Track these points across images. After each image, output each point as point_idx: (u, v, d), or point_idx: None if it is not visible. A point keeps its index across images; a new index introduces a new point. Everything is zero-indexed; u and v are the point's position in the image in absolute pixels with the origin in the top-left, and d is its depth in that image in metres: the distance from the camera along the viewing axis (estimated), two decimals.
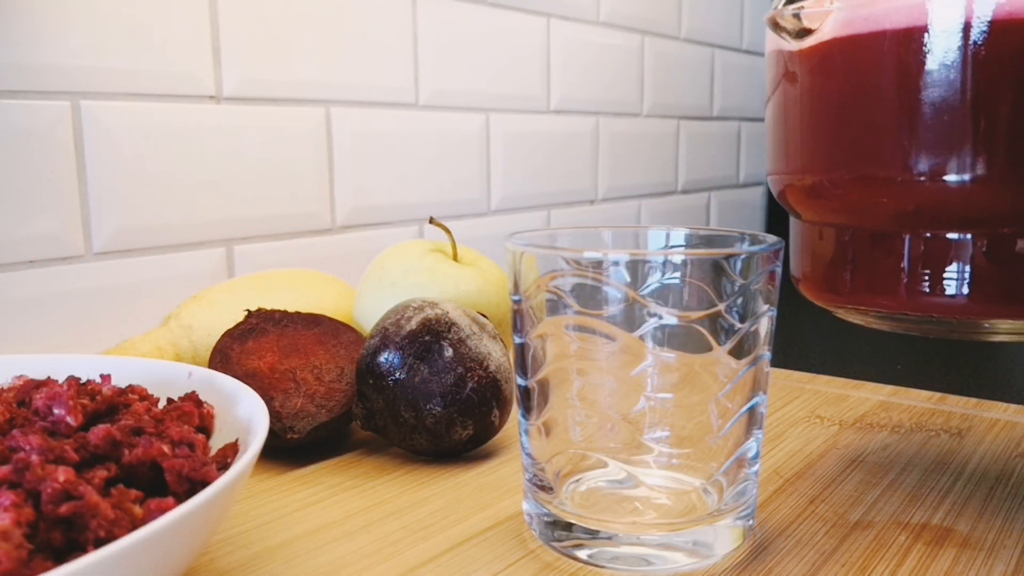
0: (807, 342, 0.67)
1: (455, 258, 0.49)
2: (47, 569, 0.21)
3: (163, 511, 0.24)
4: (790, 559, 0.30)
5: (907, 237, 0.31)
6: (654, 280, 0.28)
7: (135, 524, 0.23)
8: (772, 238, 0.31)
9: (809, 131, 0.34)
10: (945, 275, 0.31)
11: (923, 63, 0.29)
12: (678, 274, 0.28)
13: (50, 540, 0.22)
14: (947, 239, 0.30)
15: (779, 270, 0.30)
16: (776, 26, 0.33)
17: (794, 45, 0.33)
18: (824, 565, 0.30)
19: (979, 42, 0.28)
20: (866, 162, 0.32)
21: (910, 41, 0.29)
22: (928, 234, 0.31)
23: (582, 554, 0.30)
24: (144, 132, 0.53)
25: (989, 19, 0.28)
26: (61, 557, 0.22)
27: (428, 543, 0.31)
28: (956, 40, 0.28)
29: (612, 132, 0.93)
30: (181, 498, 0.25)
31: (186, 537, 0.23)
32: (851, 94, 0.32)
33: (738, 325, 0.29)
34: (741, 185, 1.20)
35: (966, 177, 0.29)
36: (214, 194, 0.57)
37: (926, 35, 0.29)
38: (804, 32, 0.32)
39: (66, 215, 0.50)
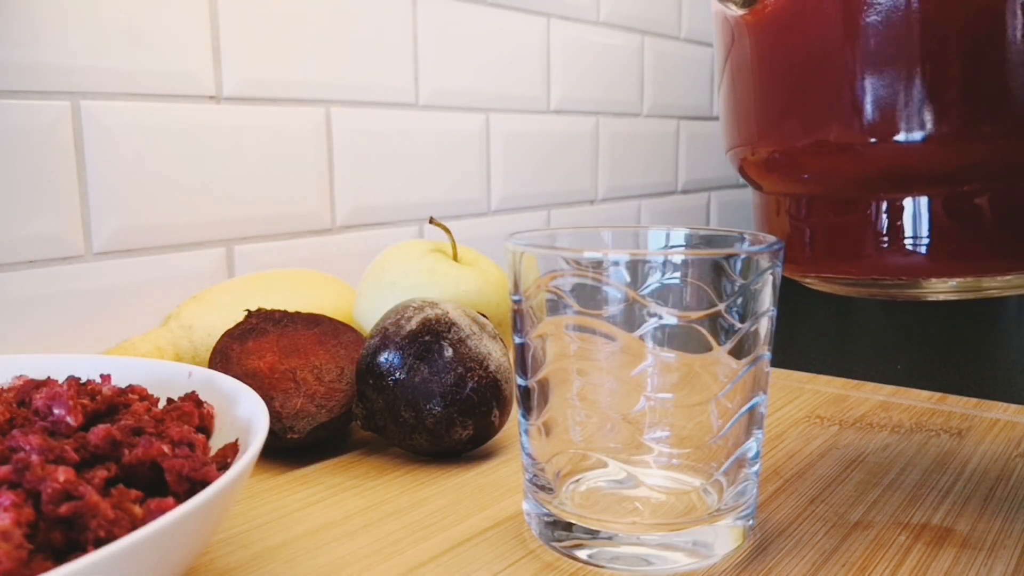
0: (807, 342, 0.67)
1: (455, 258, 0.49)
2: (47, 569, 0.21)
3: (163, 511, 0.24)
4: (790, 559, 0.30)
5: (866, 202, 0.31)
6: (654, 280, 0.28)
7: (135, 524, 0.23)
8: (772, 238, 0.31)
9: (760, 101, 0.33)
10: (906, 237, 0.30)
11: (869, 20, 0.29)
12: (678, 274, 0.28)
13: (50, 540, 0.22)
14: (906, 200, 0.30)
15: (779, 270, 0.30)
16: None
17: (739, 12, 0.33)
18: (824, 565, 0.30)
19: None
20: (820, 129, 0.31)
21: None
22: (887, 197, 0.30)
23: (582, 554, 0.30)
24: (144, 132, 0.53)
25: None
26: (61, 557, 0.22)
27: (428, 543, 0.31)
28: None
29: (612, 132, 0.93)
30: (181, 498, 0.25)
31: (186, 537, 0.23)
32: (800, 59, 0.31)
33: (738, 325, 0.29)
34: (741, 185, 1.20)
35: (919, 136, 0.29)
36: (214, 194, 0.57)
37: None
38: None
39: (66, 215, 0.50)
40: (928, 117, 0.28)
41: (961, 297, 0.31)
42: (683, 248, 0.34)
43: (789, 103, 0.32)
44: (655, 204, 1.02)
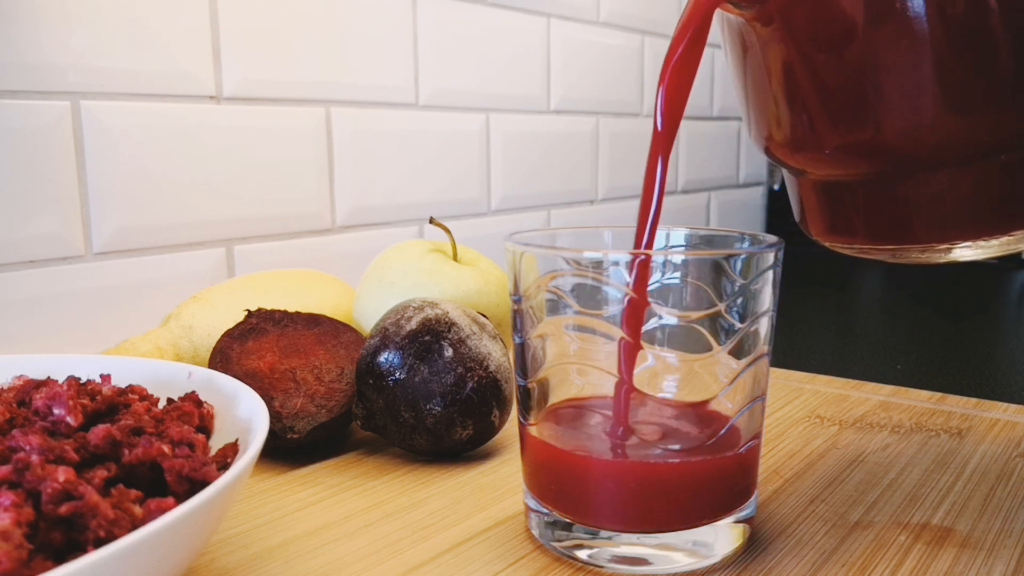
0: (807, 342, 0.67)
1: (455, 258, 0.49)
2: (47, 569, 0.21)
3: (163, 511, 0.24)
4: (790, 559, 0.30)
5: (899, 181, 0.30)
6: (654, 280, 0.28)
7: (135, 524, 0.23)
8: (772, 238, 0.31)
9: (782, 101, 0.32)
10: (942, 205, 0.30)
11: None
12: (678, 274, 0.28)
13: (50, 540, 0.22)
14: (940, 174, 0.29)
15: (779, 270, 0.30)
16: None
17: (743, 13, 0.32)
18: (824, 565, 0.30)
19: None
20: (841, 130, 0.30)
21: None
22: (918, 174, 0.30)
23: (582, 554, 0.30)
24: (144, 132, 0.53)
25: None
26: (61, 557, 0.22)
27: (428, 543, 0.31)
28: None
29: (612, 132, 0.93)
30: (181, 498, 0.25)
31: (186, 537, 0.23)
32: (815, 58, 0.30)
33: (738, 325, 0.29)
34: (741, 185, 1.20)
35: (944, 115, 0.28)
36: (214, 194, 0.57)
37: None
38: None
39: (66, 215, 0.50)
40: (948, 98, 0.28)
41: (999, 253, 0.31)
42: (683, 248, 0.34)
43: (813, 107, 0.31)
44: None
